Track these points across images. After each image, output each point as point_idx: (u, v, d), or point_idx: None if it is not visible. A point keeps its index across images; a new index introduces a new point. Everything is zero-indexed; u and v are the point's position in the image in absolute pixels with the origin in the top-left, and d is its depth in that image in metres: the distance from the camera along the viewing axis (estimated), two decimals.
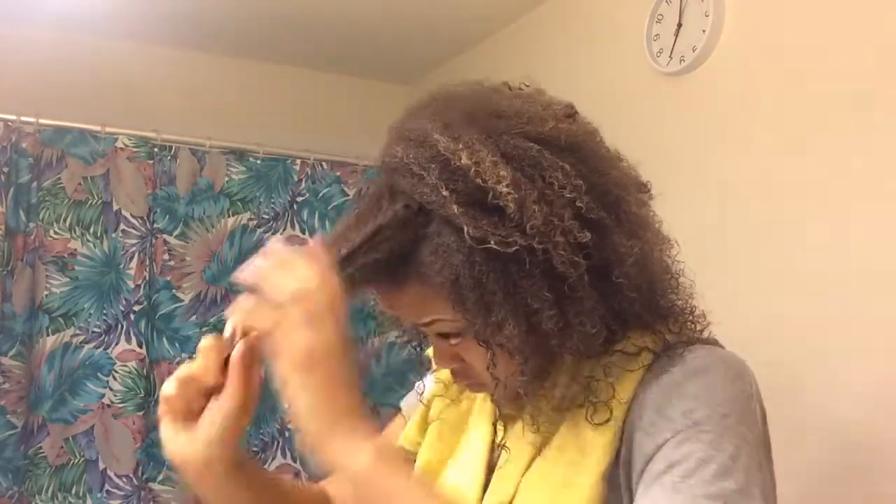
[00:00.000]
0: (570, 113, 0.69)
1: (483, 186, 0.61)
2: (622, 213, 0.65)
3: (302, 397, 0.59)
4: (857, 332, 1.25)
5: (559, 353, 0.65)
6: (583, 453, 0.65)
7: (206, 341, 0.67)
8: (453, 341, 0.68)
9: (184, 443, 0.64)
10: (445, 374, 0.85)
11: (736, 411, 0.62)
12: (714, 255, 1.51)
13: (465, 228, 0.60)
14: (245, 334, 0.65)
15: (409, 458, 0.83)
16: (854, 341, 1.26)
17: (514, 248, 0.60)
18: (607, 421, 0.65)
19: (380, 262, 0.64)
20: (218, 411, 0.64)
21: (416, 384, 0.90)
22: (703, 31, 1.56)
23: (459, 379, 0.74)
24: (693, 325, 0.71)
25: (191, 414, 0.65)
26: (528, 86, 0.72)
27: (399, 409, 0.92)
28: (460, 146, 0.62)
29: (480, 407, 0.79)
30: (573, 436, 0.67)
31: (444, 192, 0.61)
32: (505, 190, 0.60)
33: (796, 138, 1.39)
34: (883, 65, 1.25)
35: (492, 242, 0.60)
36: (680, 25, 1.62)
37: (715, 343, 0.72)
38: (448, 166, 0.62)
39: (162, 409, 0.66)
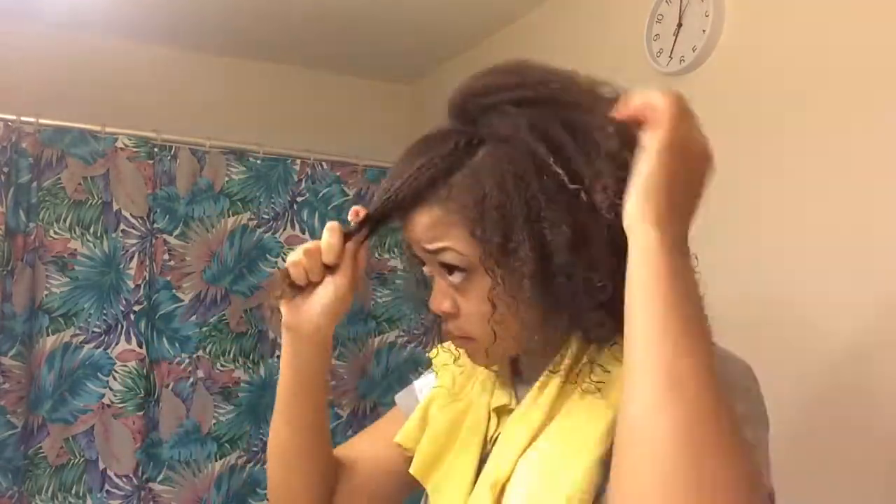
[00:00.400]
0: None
1: (558, 113, 0.67)
2: None
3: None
4: (856, 332, 1.25)
5: (562, 309, 0.67)
6: (580, 439, 0.66)
7: (332, 223, 0.77)
8: (457, 278, 0.70)
9: (300, 306, 0.76)
10: (446, 377, 0.85)
11: (755, 401, 0.66)
12: (714, 254, 1.51)
13: (526, 141, 0.64)
14: (363, 221, 0.74)
15: (407, 454, 0.84)
16: (854, 340, 1.26)
17: (560, 178, 0.63)
18: (608, 407, 0.66)
19: (420, 188, 0.68)
20: (333, 285, 0.75)
21: (414, 382, 0.91)
22: (703, 31, 1.56)
23: (449, 327, 0.74)
24: None
25: (307, 284, 0.75)
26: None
27: (394, 404, 0.92)
28: (542, 77, 0.71)
29: (477, 401, 0.80)
30: (570, 423, 0.68)
31: (516, 111, 0.67)
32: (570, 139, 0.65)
33: (796, 138, 1.39)
34: (883, 64, 1.25)
35: (549, 163, 0.64)
36: (680, 25, 1.62)
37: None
38: (527, 100, 0.68)
39: (285, 273, 0.75)
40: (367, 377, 2.26)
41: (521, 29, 2.23)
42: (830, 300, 1.30)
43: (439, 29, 2.35)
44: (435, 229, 0.69)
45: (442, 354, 0.90)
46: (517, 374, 0.79)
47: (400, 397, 0.93)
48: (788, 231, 1.39)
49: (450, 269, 0.70)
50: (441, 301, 0.72)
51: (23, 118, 1.93)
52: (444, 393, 0.84)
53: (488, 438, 0.76)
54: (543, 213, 0.64)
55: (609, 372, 0.68)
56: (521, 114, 0.66)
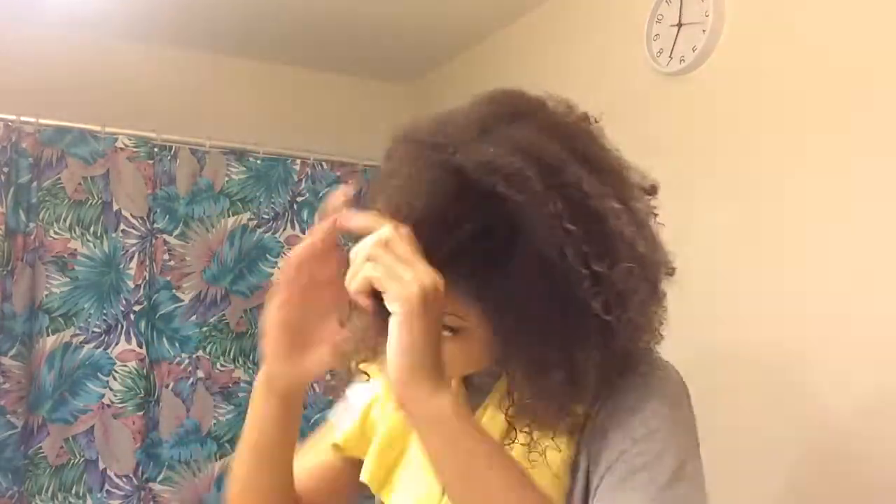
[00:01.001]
0: (652, 192, 0.72)
1: (607, 239, 0.62)
2: (657, 296, 0.68)
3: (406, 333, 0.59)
4: (856, 331, 1.25)
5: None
6: (539, 466, 0.68)
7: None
8: (447, 333, 0.68)
9: (294, 357, 0.71)
10: (385, 384, 0.85)
11: (682, 421, 0.68)
12: (714, 254, 1.51)
13: (574, 269, 0.60)
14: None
15: (352, 463, 0.85)
16: (853, 338, 1.26)
17: (598, 309, 0.61)
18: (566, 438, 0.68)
19: (453, 268, 0.62)
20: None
21: (347, 394, 0.91)
22: (703, 31, 1.56)
23: None
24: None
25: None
26: (596, 121, 0.72)
27: (328, 420, 0.93)
28: (601, 190, 0.62)
29: None
30: (528, 447, 0.69)
31: (569, 226, 0.60)
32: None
33: (796, 138, 1.39)
34: (883, 64, 1.25)
35: (589, 293, 0.61)
36: (680, 25, 1.62)
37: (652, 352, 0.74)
38: (580, 205, 0.61)
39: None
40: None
41: (521, 29, 2.23)
42: (831, 300, 1.30)
43: (439, 29, 2.35)
44: (448, 299, 0.64)
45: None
46: (467, 379, 0.79)
47: (332, 413, 0.92)
48: (788, 231, 1.39)
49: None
50: None
51: (23, 118, 1.93)
52: (382, 398, 0.84)
53: None
54: (579, 336, 0.63)
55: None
56: (552, 214, 0.60)
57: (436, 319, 0.60)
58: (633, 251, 0.62)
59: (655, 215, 0.71)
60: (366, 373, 0.82)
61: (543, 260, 0.60)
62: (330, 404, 2.36)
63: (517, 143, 0.62)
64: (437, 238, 0.61)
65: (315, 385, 2.16)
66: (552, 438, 0.68)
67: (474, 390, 0.78)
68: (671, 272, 0.72)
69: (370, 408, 0.85)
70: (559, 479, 0.68)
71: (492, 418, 0.73)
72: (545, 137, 0.63)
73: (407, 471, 0.79)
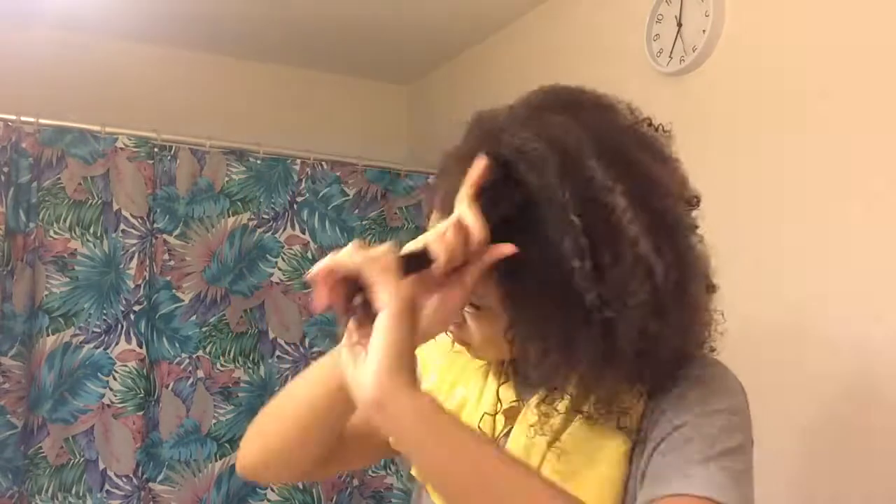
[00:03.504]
0: (694, 203, 0.73)
1: (611, 235, 0.61)
2: (685, 305, 0.67)
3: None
4: (855, 330, 1.25)
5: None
6: (597, 453, 0.69)
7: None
8: (469, 310, 0.70)
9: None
10: (433, 374, 0.86)
11: (739, 413, 0.68)
12: (714, 254, 1.51)
13: (569, 259, 0.61)
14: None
15: None
16: (851, 340, 1.26)
17: (595, 305, 0.61)
18: (624, 429, 0.69)
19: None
20: (458, 290, 0.67)
21: None
22: (703, 31, 1.56)
23: (457, 339, 0.75)
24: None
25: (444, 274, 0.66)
26: (665, 130, 0.73)
27: None
28: (612, 184, 0.62)
29: (476, 402, 0.80)
30: (585, 439, 0.70)
31: (573, 217, 0.61)
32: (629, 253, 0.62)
33: (796, 138, 1.39)
34: (883, 64, 1.25)
35: (583, 286, 0.61)
36: (680, 25, 1.62)
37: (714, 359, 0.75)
38: (587, 196, 0.62)
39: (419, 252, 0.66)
40: None
41: (521, 29, 2.23)
42: (831, 303, 1.30)
43: (439, 29, 2.35)
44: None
45: (424, 352, 0.89)
46: (517, 374, 0.80)
47: None
48: (788, 232, 1.39)
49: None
50: None
51: (23, 118, 1.93)
52: (436, 390, 0.84)
53: (496, 436, 0.77)
54: (578, 329, 0.63)
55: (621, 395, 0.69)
56: (560, 203, 0.62)
57: (417, 322, 0.61)
58: (638, 253, 0.61)
59: (696, 227, 0.71)
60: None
61: (548, 247, 0.61)
62: None
63: (548, 131, 0.64)
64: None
65: None
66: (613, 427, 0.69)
67: (525, 384, 0.78)
68: (711, 289, 0.72)
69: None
70: (615, 468, 0.68)
71: (538, 406, 0.73)
72: (578, 129, 0.64)
73: None
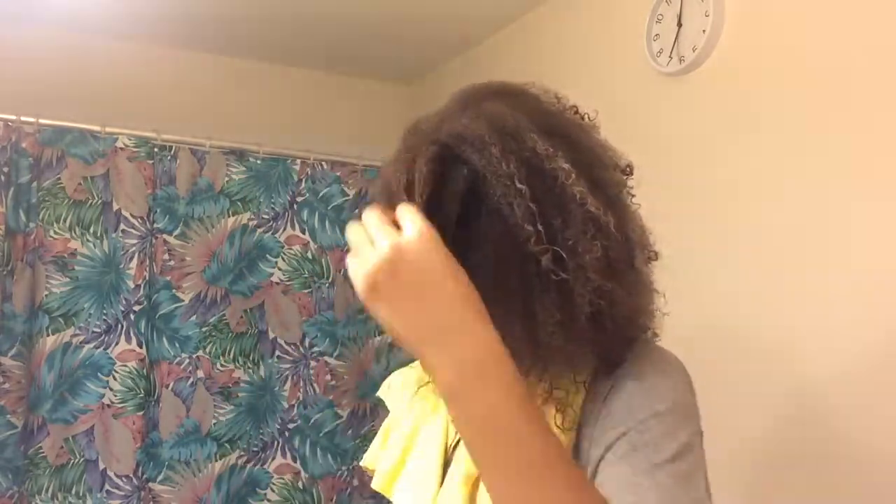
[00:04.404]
0: (627, 171, 0.73)
1: (559, 199, 0.63)
2: (633, 270, 0.69)
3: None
4: (856, 332, 1.25)
5: (539, 361, 0.68)
6: None
7: None
8: None
9: None
10: (395, 404, 0.89)
11: (686, 406, 0.68)
12: (714, 254, 1.51)
13: (522, 225, 0.62)
14: None
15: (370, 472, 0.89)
16: (852, 341, 1.26)
17: (550, 267, 0.62)
18: (563, 428, 0.68)
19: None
20: None
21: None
22: (703, 31, 1.56)
23: None
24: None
25: None
26: (591, 119, 0.75)
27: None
28: (553, 152, 0.64)
29: (430, 416, 0.82)
30: None
31: (520, 185, 0.63)
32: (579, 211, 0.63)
33: (796, 138, 1.39)
34: (883, 64, 1.25)
35: (537, 250, 0.62)
36: (680, 25, 1.62)
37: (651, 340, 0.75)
38: (532, 165, 0.64)
39: None
40: (367, 377, 2.26)
41: (521, 29, 2.23)
42: (832, 300, 1.30)
43: (439, 29, 2.35)
44: None
45: (385, 388, 0.93)
46: None
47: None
48: (788, 231, 1.39)
49: None
50: None
51: (23, 118, 1.93)
52: (398, 418, 0.88)
53: (448, 446, 0.78)
54: (536, 294, 0.64)
55: (562, 387, 0.69)
56: (506, 175, 0.64)
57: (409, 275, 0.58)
58: (586, 211, 0.64)
59: (632, 195, 0.73)
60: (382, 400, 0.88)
61: (501, 220, 0.63)
62: (329, 405, 2.36)
63: (485, 114, 0.67)
64: (419, 206, 0.63)
65: (315, 384, 2.16)
66: (556, 426, 0.68)
67: None
68: (654, 256, 0.73)
69: (390, 429, 0.89)
70: None
71: None
72: (512, 109, 0.67)
73: (409, 468, 0.81)
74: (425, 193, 0.64)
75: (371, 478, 0.88)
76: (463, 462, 0.73)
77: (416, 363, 0.83)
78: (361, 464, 0.90)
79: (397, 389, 0.91)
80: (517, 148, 0.64)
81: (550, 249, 0.62)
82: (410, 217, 0.58)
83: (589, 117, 0.74)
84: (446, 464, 0.77)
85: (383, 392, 0.93)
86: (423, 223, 0.58)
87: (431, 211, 0.62)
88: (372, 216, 0.60)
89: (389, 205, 0.62)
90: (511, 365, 0.55)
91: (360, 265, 0.58)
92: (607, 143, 0.73)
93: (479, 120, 0.66)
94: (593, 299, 0.64)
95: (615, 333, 0.67)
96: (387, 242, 0.57)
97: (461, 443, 0.76)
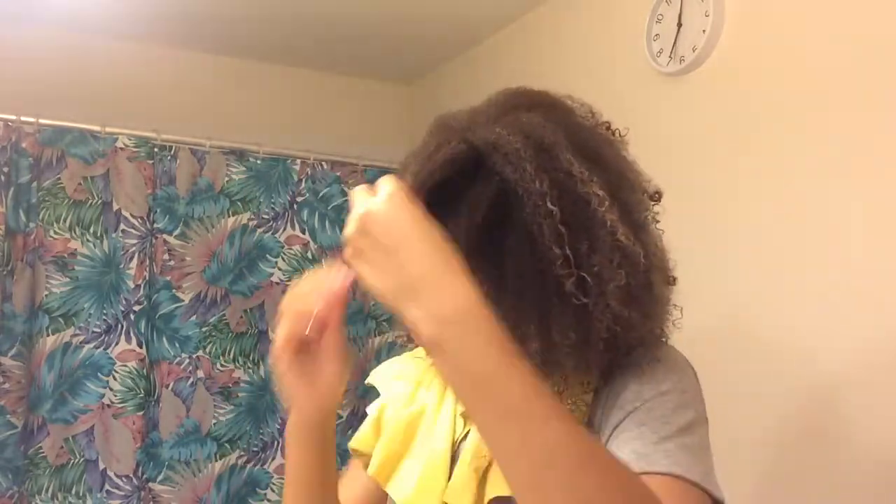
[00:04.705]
0: (656, 198, 0.74)
1: (588, 223, 0.63)
2: (651, 296, 0.68)
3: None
4: (857, 331, 1.25)
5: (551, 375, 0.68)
6: None
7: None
8: None
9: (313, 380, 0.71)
10: (389, 389, 0.89)
11: (691, 389, 0.69)
12: (714, 254, 1.51)
13: (549, 247, 0.62)
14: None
15: (363, 458, 0.87)
16: (853, 340, 1.26)
17: (572, 292, 0.62)
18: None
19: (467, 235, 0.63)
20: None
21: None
22: (703, 31, 1.56)
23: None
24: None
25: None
26: (621, 135, 0.75)
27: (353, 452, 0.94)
28: (588, 176, 0.64)
29: (437, 407, 0.82)
30: None
31: (551, 206, 0.62)
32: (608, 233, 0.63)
33: (796, 138, 1.39)
34: (883, 64, 1.25)
35: (562, 274, 0.62)
36: (680, 25, 1.62)
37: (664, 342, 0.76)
38: (566, 187, 0.63)
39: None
40: (367, 377, 2.26)
41: (521, 29, 2.23)
42: (832, 300, 1.30)
43: (439, 29, 2.35)
44: None
45: (377, 375, 0.93)
46: None
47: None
48: (788, 231, 1.39)
49: None
50: None
51: (23, 118, 1.93)
52: (393, 401, 0.87)
53: (455, 439, 0.78)
54: (555, 316, 0.64)
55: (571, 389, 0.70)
56: (538, 193, 0.63)
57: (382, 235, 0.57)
58: (615, 239, 0.63)
59: (657, 221, 0.73)
60: (374, 386, 0.88)
61: (528, 238, 0.63)
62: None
63: (522, 127, 0.66)
64: (445, 208, 0.63)
65: None
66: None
67: None
68: (672, 281, 0.73)
69: (382, 412, 0.88)
70: None
71: None
72: (550, 125, 0.66)
73: (410, 461, 0.81)
74: (434, 178, 0.64)
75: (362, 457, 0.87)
76: (471, 457, 0.73)
77: (413, 352, 0.84)
78: (350, 445, 0.88)
79: (390, 376, 0.91)
80: (551, 167, 0.64)
81: (574, 273, 0.62)
82: (385, 184, 0.59)
83: (619, 133, 0.74)
84: (453, 458, 0.77)
85: (375, 379, 0.92)
86: (395, 187, 0.58)
87: (447, 204, 0.62)
88: (358, 189, 0.61)
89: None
90: (488, 312, 0.55)
91: (343, 231, 0.60)
92: (636, 165, 0.73)
93: (515, 131, 0.65)
94: (611, 325, 0.64)
95: (620, 355, 0.69)
96: (362, 207, 0.58)
97: (468, 436, 0.77)
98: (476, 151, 0.65)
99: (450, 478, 0.76)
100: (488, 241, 0.64)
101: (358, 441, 0.88)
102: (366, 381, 0.93)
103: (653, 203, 0.73)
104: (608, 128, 0.74)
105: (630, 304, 0.65)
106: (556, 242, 0.62)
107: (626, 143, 0.74)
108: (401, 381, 0.89)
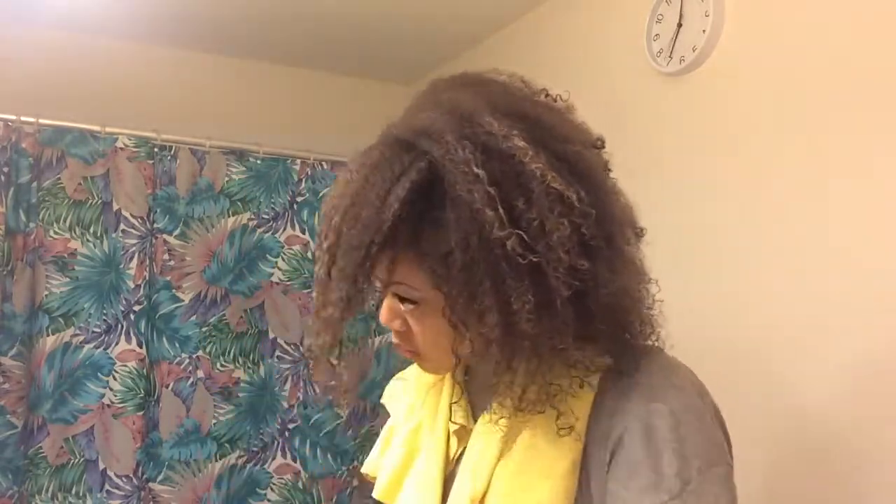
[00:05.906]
0: (598, 145, 0.71)
1: (518, 178, 0.61)
2: (614, 248, 0.66)
3: None
4: (856, 333, 1.25)
5: (525, 354, 0.65)
6: (545, 464, 0.67)
7: None
8: (408, 306, 0.69)
9: None
10: (398, 410, 0.88)
11: (708, 454, 0.65)
12: (713, 254, 1.51)
13: (483, 210, 0.60)
14: None
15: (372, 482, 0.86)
16: (853, 341, 1.26)
17: (517, 251, 0.60)
18: (570, 429, 0.66)
19: (391, 225, 0.63)
20: None
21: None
22: (703, 31, 1.56)
23: (398, 341, 0.75)
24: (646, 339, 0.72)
25: None
26: (563, 100, 0.73)
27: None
28: (508, 131, 0.62)
29: (431, 424, 0.81)
30: (535, 442, 0.68)
31: (477, 170, 0.61)
32: (539, 189, 0.61)
33: (796, 138, 1.39)
34: (883, 64, 1.24)
35: (501, 235, 0.60)
36: (680, 25, 1.62)
37: (660, 350, 0.72)
38: (488, 148, 0.62)
39: None
40: (368, 377, 2.26)
41: (521, 29, 2.23)
42: (833, 301, 1.30)
43: (439, 29, 2.35)
44: (394, 267, 0.67)
45: (386, 395, 0.93)
46: (470, 389, 0.80)
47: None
48: (789, 230, 1.39)
49: (401, 298, 0.70)
50: (390, 318, 0.73)
51: (23, 118, 1.93)
52: (397, 422, 0.87)
53: (450, 458, 0.77)
54: (508, 280, 0.62)
55: (559, 385, 0.67)
56: (463, 161, 0.62)
57: None
58: (549, 188, 0.61)
59: (608, 170, 0.70)
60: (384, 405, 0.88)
61: (463, 207, 0.61)
62: (329, 405, 2.35)
63: (440, 103, 0.66)
64: (380, 207, 0.63)
65: (315, 386, 2.16)
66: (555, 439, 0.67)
67: (477, 396, 0.78)
68: (640, 232, 0.71)
69: (391, 434, 0.88)
70: (564, 481, 0.66)
71: (486, 424, 0.73)
72: (470, 95, 0.66)
73: (412, 479, 0.80)
74: (399, 198, 0.63)
75: (370, 481, 0.87)
76: (469, 480, 0.70)
77: (415, 366, 0.82)
78: (363, 470, 0.89)
79: (399, 395, 0.90)
80: (472, 132, 0.62)
81: (514, 232, 0.60)
82: None
83: (561, 98, 0.72)
84: (450, 477, 0.75)
85: (385, 399, 0.92)
86: None
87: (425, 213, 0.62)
88: None
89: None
90: None
91: None
92: (578, 122, 0.71)
93: (437, 110, 0.65)
94: (569, 280, 0.61)
95: (606, 319, 0.65)
96: None
97: (465, 455, 0.74)
98: (406, 143, 0.65)
99: (444, 500, 0.74)
100: (431, 221, 0.62)
101: (368, 466, 0.89)
102: (381, 401, 0.94)
103: (599, 151, 0.70)
104: (546, 95, 0.72)
105: (586, 256, 0.62)
106: (489, 205, 0.60)
107: (570, 107, 0.72)
108: (405, 396, 0.89)
